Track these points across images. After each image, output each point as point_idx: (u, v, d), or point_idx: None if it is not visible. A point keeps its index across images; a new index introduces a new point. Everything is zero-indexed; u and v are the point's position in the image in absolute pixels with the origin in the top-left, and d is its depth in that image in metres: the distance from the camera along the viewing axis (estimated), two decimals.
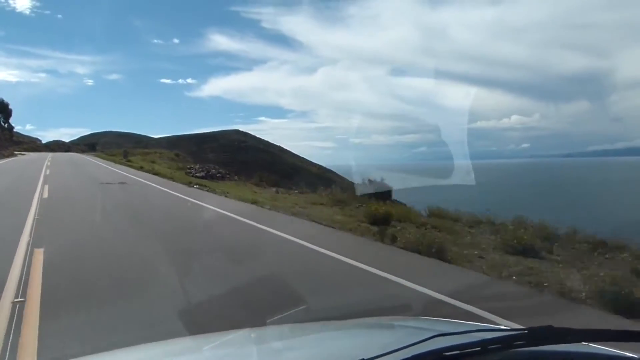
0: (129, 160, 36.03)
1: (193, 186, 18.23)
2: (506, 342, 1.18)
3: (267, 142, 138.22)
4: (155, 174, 24.61)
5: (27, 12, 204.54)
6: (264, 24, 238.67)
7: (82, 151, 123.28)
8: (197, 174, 23.62)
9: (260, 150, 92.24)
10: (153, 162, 34.60)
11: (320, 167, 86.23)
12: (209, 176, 22.96)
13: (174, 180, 20.70)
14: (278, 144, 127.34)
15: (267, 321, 3.36)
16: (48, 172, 23.53)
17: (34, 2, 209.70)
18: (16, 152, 60.04)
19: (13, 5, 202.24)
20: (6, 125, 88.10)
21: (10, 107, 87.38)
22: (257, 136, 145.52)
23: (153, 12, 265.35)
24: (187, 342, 1.94)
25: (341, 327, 1.92)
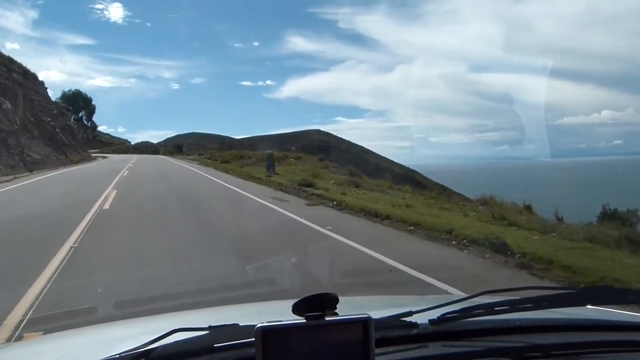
0: (269, 176, 19.17)
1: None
2: (559, 300, 1.16)
3: (349, 141, 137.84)
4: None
5: (120, 21, 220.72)
6: (341, 24, 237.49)
7: (170, 153, 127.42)
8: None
9: (342, 150, 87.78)
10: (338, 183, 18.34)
11: (402, 166, 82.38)
12: None
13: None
14: (359, 144, 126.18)
15: (248, 267, 3.75)
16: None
17: (126, 12, 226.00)
18: (96, 154, 60.03)
19: (108, 16, 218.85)
20: (89, 123, 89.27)
21: (93, 103, 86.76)
22: (339, 136, 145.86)
23: (234, 16, 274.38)
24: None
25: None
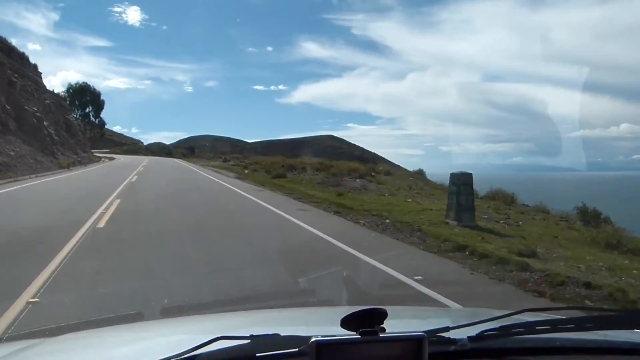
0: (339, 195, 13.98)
1: None
2: (604, 322, 1.14)
3: (362, 148, 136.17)
4: None
5: (137, 24, 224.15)
6: (354, 31, 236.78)
7: (183, 155, 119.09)
8: None
9: (355, 157, 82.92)
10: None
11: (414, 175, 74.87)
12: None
13: None
14: (372, 151, 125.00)
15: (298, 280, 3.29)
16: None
17: (144, 15, 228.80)
18: (102, 155, 51.05)
19: (125, 19, 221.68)
20: (97, 120, 79.93)
21: (102, 98, 77.35)
22: (352, 142, 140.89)
23: (249, 22, 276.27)
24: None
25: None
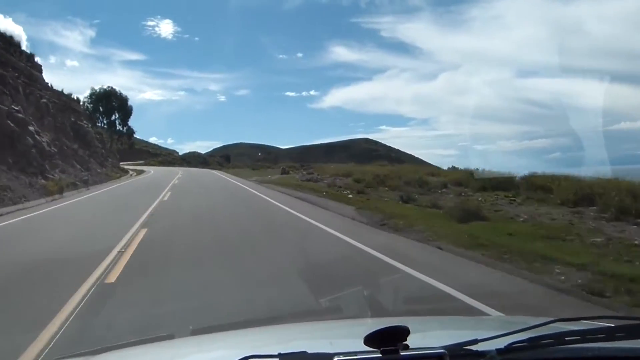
0: None
1: None
2: (633, 331, 1.10)
3: (398, 150, 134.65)
4: None
5: (170, 37, 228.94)
6: (383, 33, 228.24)
7: (219, 165, 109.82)
8: None
9: (393, 159, 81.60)
10: None
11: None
12: None
13: None
14: (408, 152, 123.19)
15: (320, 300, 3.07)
16: None
17: (176, 28, 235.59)
18: (131, 167, 41.52)
19: (159, 32, 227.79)
20: (125, 129, 70.36)
21: (130, 104, 67.75)
22: (387, 144, 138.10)
23: (279, 29, 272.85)
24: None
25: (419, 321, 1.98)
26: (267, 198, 15.92)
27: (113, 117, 66.48)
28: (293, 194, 16.88)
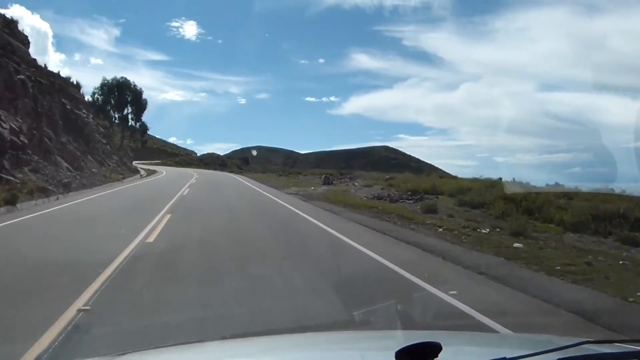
0: None
1: None
2: None
3: (417, 159, 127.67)
4: None
5: (194, 38, 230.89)
6: (405, 42, 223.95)
7: (239, 167, 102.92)
8: None
9: (412, 168, 77.73)
10: None
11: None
12: None
13: None
14: (427, 162, 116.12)
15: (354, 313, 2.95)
16: None
17: (200, 30, 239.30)
18: (146, 168, 35.08)
19: (183, 33, 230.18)
20: (138, 124, 63.33)
21: (144, 97, 60.66)
22: (407, 153, 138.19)
23: (301, 34, 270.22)
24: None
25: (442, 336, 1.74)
26: (381, 259, 7.49)
27: (125, 111, 60.03)
28: (403, 236, 8.99)
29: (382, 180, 25.25)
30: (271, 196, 17.97)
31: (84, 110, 32.03)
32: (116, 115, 58.86)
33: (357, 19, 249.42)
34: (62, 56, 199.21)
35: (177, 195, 17.12)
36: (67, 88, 31.34)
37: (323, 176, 25.75)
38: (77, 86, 32.89)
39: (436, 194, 15.82)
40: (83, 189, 20.78)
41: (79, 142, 29.35)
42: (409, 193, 16.43)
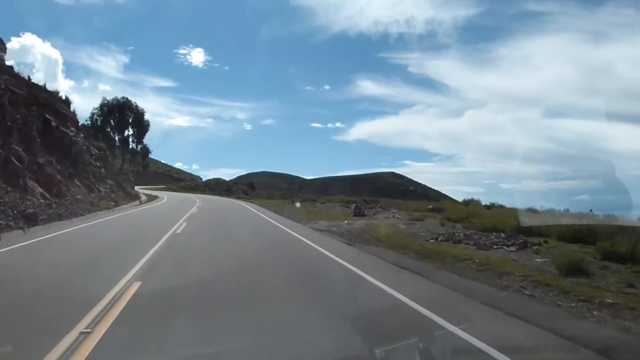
0: None
1: None
2: None
3: (425, 185, 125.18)
4: None
5: (201, 65, 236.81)
6: (411, 69, 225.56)
7: (244, 193, 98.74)
8: None
9: (419, 195, 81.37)
10: None
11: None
12: None
13: None
14: (435, 188, 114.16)
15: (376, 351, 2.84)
16: None
17: (207, 57, 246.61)
18: (148, 193, 31.11)
19: (190, 60, 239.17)
20: (139, 147, 58.76)
21: (146, 119, 56.13)
22: (414, 179, 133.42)
23: (307, 61, 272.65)
24: None
25: None
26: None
27: (126, 133, 56.01)
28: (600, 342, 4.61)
29: (425, 211, 20.70)
30: (299, 236, 13.33)
31: (72, 129, 27.94)
32: (116, 137, 55.03)
33: (363, 46, 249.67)
34: (72, 82, 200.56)
35: (169, 233, 12.67)
36: (53, 103, 27.36)
37: (353, 206, 21.12)
38: (66, 102, 28.92)
39: (531, 233, 11.26)
40: (57, 221, 16.40)
41: (64, 164, 25.16)
42: (488, 232, 11.86)
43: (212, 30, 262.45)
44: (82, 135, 30.20)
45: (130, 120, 55.78)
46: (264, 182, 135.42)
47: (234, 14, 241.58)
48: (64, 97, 28.51)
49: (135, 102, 56.33)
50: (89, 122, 52.55)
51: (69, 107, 29.43)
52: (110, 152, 51.98)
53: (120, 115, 54.51)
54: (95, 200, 23.82)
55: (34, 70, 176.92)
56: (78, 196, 23.01)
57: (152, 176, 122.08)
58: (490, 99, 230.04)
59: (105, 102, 54.17)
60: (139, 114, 56.15)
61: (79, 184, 25.90)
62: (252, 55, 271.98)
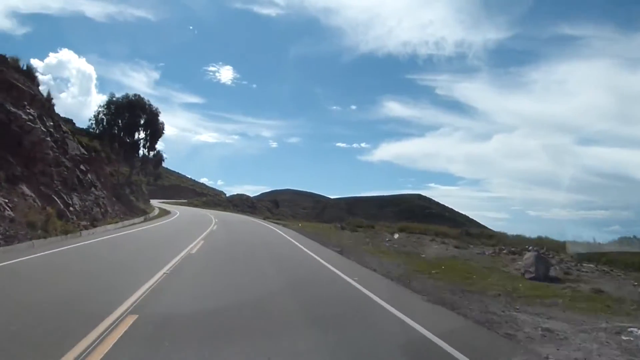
0: None
1: None
2: None
3: (452, 209, 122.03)
4: None
5: (229, 82, 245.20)
6: (439, 91, 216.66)
7: (269, 210, 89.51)
8: None
9: (447, 219, 76.62)
10: None
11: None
12: None
13: None
14: (462, 212, 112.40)
15: None
16: None
17: (236, 74, 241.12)
18: (164, 208, 21.84)
19: (219, 77, 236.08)
20: (152, 154, 49.48)
21: (160, 119, 48.08)
22: (441, 203, 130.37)
23: (334, 81, 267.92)
24: None
25: None
26: None
27: (137, 136, 47.39)
28: None
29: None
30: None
31: (31, 111, 18.94)
32: (126, 140, 46.62)
33: (391, 67, 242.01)
34: (104, 97, 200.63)
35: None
36: (4, 74, 18.55)
37: (531, 257, 10.59)
38: (28, 74, 20.07)
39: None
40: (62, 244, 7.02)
41: (4, 160, 16.15)
42: None
43: (241, 49, 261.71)
44: (50, 122, 21.11)
45: (141, 122, 47.22)
46: (287, 199, 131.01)
47: (263, 33, 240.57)
48: (24, 68, 19.70)
49: (148, 100, 47.88)
50: (93, 122, 44.45)
51: (34, 83, 20.55)
52: (117, 157, 43.54)
53: (131, 115, 45.98)
54: (40, 220, 14.42)
55: (69, 85, 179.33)
56: (6, 212, 13.74)
57: (175, 190, 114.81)
58: (520, 124, 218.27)
59: (113, 98, 45.89)
60: (152, 114, 47.47)
61: (28, 192, 16.79)
62: (279, 74, 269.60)
